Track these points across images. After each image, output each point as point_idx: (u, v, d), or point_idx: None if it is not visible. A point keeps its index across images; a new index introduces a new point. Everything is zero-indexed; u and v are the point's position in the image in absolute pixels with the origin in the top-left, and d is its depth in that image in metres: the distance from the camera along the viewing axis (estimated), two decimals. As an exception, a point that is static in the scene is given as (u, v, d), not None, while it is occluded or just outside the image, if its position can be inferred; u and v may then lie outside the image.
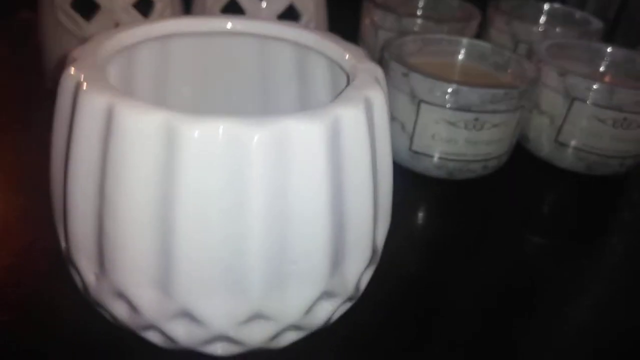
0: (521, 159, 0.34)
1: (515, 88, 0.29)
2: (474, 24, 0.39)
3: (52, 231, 0.18)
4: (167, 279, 0.15)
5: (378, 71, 0.19)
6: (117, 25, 0.32)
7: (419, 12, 0.43)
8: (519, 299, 0.25)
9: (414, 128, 0.30)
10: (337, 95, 0.21)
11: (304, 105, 0.23)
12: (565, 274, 0.27)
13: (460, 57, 0.35)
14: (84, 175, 0.15)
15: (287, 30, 0.21)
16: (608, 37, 0.53)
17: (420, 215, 0.31)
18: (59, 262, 0.19)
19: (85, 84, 0.15)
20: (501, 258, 0.27)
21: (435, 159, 0.31)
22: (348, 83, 0.18)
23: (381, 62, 0.31)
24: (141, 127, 0.14)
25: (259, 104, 0.24)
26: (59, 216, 0.17)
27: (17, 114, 0.34)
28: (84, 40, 0.31)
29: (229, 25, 0.22)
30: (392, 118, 0.31)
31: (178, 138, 0.14)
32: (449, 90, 0.28)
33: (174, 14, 0.34)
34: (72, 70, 0.16)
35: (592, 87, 0.31)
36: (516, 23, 0.39)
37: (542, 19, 0.45)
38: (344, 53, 0.19)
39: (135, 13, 0.32)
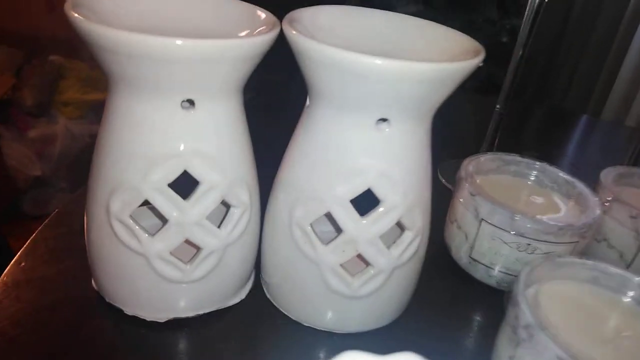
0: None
1: (571, 225, 0.30)
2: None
3: None
4: None
5: None
6: (186, 241, 0.26)
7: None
8: None
9: (475, 240, 0.33)
10: None
11: None
12: None
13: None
14: None
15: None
16: None
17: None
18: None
19: None
20: None
21: (488, 269, 0.33)
22: None
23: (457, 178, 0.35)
24: None
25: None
26: None
27: (68, 319, 0.28)
28: (143, 257, 0.25)
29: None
30: (458, 227, 0.34)
31: None
32: (507, 215, 0.30)
33: (250, 220, 0.28)
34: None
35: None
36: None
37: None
38: None
39: (209, 225, 0.26)
